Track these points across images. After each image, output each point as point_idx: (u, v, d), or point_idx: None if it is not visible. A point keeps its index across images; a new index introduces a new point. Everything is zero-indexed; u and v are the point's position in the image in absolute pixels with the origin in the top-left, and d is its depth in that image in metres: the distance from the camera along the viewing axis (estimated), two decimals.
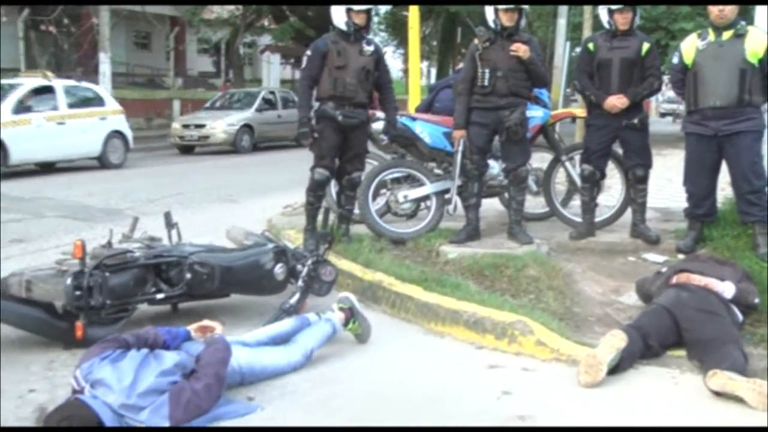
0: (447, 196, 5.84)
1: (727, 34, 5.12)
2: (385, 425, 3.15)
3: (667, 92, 28.46)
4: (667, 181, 8.96)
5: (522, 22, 5.57)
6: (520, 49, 5.43)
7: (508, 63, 5.47)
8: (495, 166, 6.12)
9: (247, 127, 17.93)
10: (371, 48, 5.66)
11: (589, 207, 5.89)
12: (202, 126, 17.47)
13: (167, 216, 4.85)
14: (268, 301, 4.65)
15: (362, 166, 5.86)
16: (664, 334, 3.86)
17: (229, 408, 3.25)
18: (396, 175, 6.12)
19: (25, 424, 3.18)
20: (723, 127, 5.10)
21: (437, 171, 6.21)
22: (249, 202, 9.11)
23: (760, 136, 5.19)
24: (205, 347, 3.41)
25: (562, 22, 15.49)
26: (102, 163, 13.55)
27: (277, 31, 26.87)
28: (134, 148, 14.83)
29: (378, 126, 5.97)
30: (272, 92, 20.41)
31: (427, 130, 6.06)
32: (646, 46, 5.58)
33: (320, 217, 5.62)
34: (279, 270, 4.53)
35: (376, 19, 28.89)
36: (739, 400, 3.31)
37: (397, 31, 33.03)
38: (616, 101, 5.52)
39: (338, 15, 5.55)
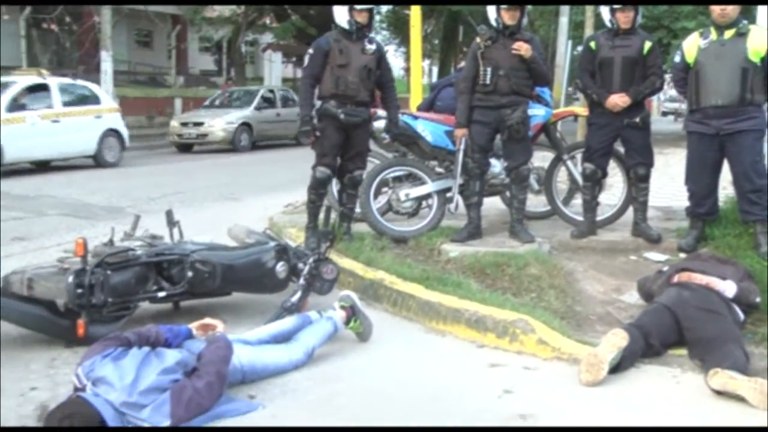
0: (448, 194, 5.84)
1: (729, 33, 5.11)
2: (386, 424, 3.15)
3: (669, 91, 28.47)
4: (669, 180, 8.95)
5: (524, 20, 5.57)
6: (522, 48, 5.43)
7: (510, 61, 5.47)
8: (497, 165, 6.12)
9: (246, 126, 17.82)
10: (373, 46, 5.66)
11: (590, 206, 5.89)
12: (200, 124, 17.39)
13: (169, 214, 4.86)
14: (270, 300, 4.66)
15: (364, 165, 5.86)
16: (665, 333, 3.86)
17: (230, 406, 3.25)
18: (397, 173, 6.12)
19: (27, 422, 3.18)
20: (725, 125, 5.10)
21: (439, 169, 6.21)
22: (250, 201, 9.12)
23: (762, 135, 5.19)
24: (206, 345, 3.42)
25: (564, 21, 15.48)
26: (97, 161, 13.44)
27: (278, 29, 26.90)
28: (135, 146, 14.83)
29: (380, 124, 5.97)
30: (271, 90, 20.31)
31: (429, 129, 6.06)
32: (647, 44, 5.58)
33: (322, 216, 5.63)
34: (280, 268, 4.54)
35: (377, 17, 28.87)
36: (740, 399, 3.30)
37: (399, 29, 33.08)
38: (618, 100, 5.52)
39: (340, 14, 5.55)
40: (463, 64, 6.12)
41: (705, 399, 3.39)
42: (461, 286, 4.70)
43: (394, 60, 35.40)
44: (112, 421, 2.92)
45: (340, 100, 5.54)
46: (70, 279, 3.89)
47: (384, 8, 31.41)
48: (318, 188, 5.70)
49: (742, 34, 5.08)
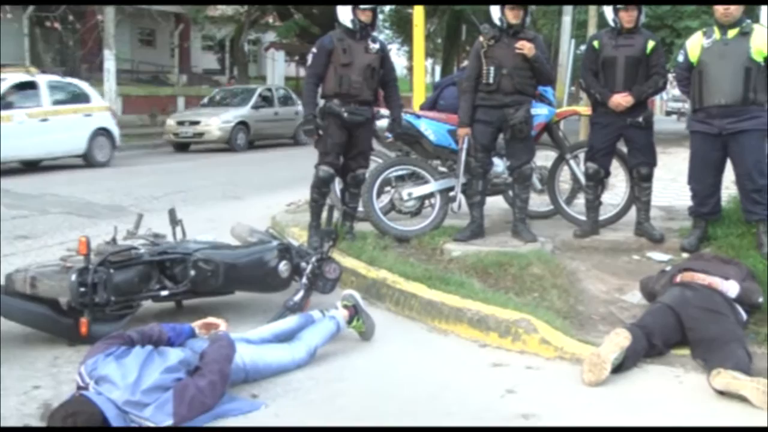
0: (451, 193, 5.84)
1: (732, 33, 5.11)
2: (388, 423, 3.15)
3: (673, 91, 28.41)
4: (672, 180, 8.93)
5: (527, 19, 5.57)
6: (525, 47, 5.42)
7: (513, 61, 5.46)
8: (499, 164, 6.12)
9: (243, 125, 17.55)
10: (377, 46, 5.65)
11: (593, 205, 5.88)
12: (196, 123, 17.12)
13: (171, 213, 4.86)
14: (272, 299, 4.66)
15: (366, 164, 5.86)
16: (668, 332, 3.86)
17: (233, 405, 3.26)
18: (400, 172, 6.12)
19: (30, 420, 3.18)
20: (728, 125, 5.09)
21: (441, 169, 6.20)
22: (253, 200, 9.13)
23: (765, 135, 5.18)
24: (209, 344, 3.42)
25: (567, 20, 15.42)
26: (87, 161, 13.14)
27: (281, 28, 26.91)
28: (135, 144, 14.73)
29: (383, 123, 5.96)
30: (269, 89, 20.04)
31: (432, 128, 6.06)
32: (651, 44, 5.56)
33: (324, 215, 5.63)
34: (283, 267, 4.53)
35: (380, 16, 28.88)
36: (742, 399, 3.30)
37: (402, 28, 33.04)
38: (621, 99, 5.51)
39: (344, 13, 5.54)
40: (466, 63, 6.10)
41: (708, 399, 3.39)
42: (464, 285, 4.70)
43: (397, 59, 35.41)
44: (114, 420, 2.92)
45: (343, 99, 5.53)
46: (73, 277, 3.90)
47: (387, 7, 31.39)
48: (321, 187, 5.71)
49: (745, 34, 5.07)
